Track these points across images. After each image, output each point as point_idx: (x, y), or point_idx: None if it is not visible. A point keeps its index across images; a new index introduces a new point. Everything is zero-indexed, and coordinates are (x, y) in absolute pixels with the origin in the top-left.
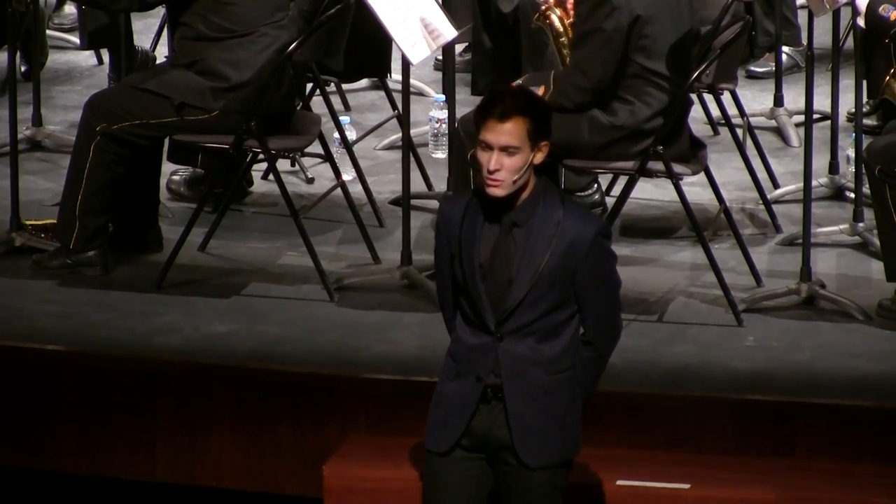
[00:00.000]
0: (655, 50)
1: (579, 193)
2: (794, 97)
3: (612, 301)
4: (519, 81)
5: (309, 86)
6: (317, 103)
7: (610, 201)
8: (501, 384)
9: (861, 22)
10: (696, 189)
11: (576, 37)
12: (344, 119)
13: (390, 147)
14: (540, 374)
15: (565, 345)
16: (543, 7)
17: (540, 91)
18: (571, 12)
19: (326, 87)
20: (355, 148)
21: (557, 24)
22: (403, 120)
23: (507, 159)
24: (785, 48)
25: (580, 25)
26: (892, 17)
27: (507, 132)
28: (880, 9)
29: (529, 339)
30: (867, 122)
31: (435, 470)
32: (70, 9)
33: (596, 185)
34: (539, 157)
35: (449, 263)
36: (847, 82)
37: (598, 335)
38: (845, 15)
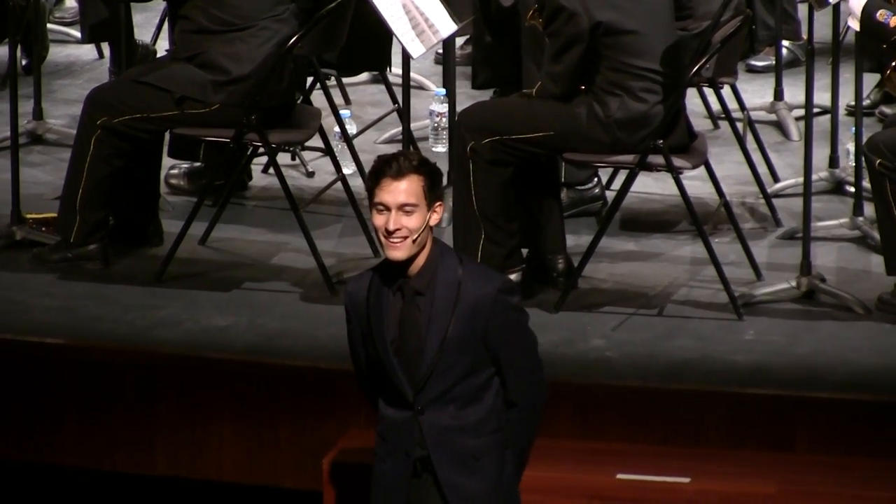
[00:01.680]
0: (635, 47)
1: (579, 187)
2: (794, 91)
3: (529, 358)
4: None
5: (309, 79)
6: (317, 97)
7: (610, 195)
8: (429, 455)
9: (853, 24)
10: (696, 183)
11: (545, 38)
12: (344, 113)
13: (391, 141)
14: (466, 439)
15: (488, 408)
16: (536, 6)
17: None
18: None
19: (327, 81)
20: (355, 142)
21: None
22: (404, 114)
23: (405, 218)
24: (785, 42)
25: (545, 28)
26: (893, 24)
27: (403, 190)
28: (878, 14)
29: (450, 406)
30: (885, 109)
31: None
32: (71, 2)
33: (596, 179)
34: (434, 219)
35: (363, 344)
36: (847, 76)
37: (519, 395)
38: (846, 9)
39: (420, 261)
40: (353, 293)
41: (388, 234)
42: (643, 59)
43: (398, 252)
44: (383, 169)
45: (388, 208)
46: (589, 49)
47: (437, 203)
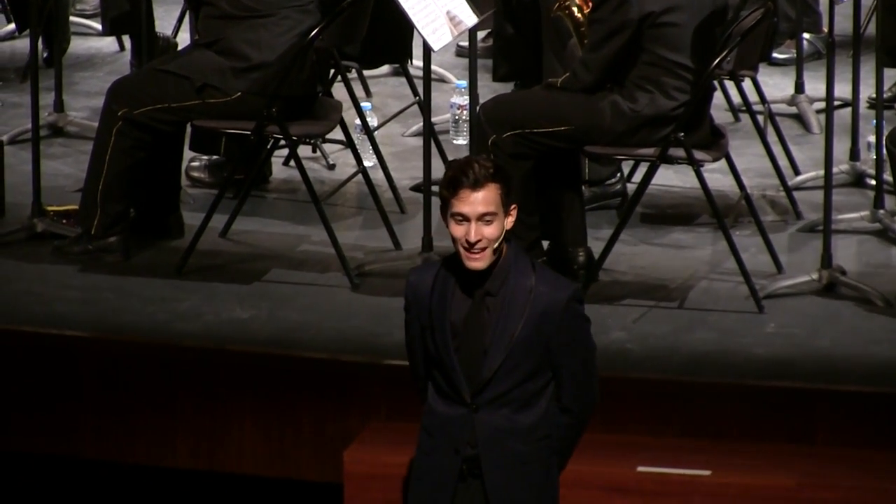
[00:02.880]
0: (677, 42)
1: (606, 182)
2: (814, 84)
3: (589, 367)
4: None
5: (330, 72)
6: (338, 89)
7: (631, 188)
8: (478, 455)
9: None
10: (716, 176)
11: (588, 25)
12: (365, 105)
13: (417, 134)
14: (517, 444)
15: (541, 413)
16: None
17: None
18: (591, 3)
19: (348, 74)
20: (377, 134)
21: (577, 14)
22: (424, 106)
23: (486, 228)
24: (806, 35)
25: (591, 14)
26: None
27: (482, 201)
28: None
29: (505, 409)
30: None
31: None
32: None
33: (618, 175)
34: (510, 222)
35: (420, 336)
36: (868, 69)
37: (575, 402)
38: (866, 1)
39: (496, 262)
40: (415, 284)
41: (470, 245)
42: (681, 55)
43: (479, 263)
44: (460, 179)
45: (466, 219)
46: (630, 41)
47: (512, 207)
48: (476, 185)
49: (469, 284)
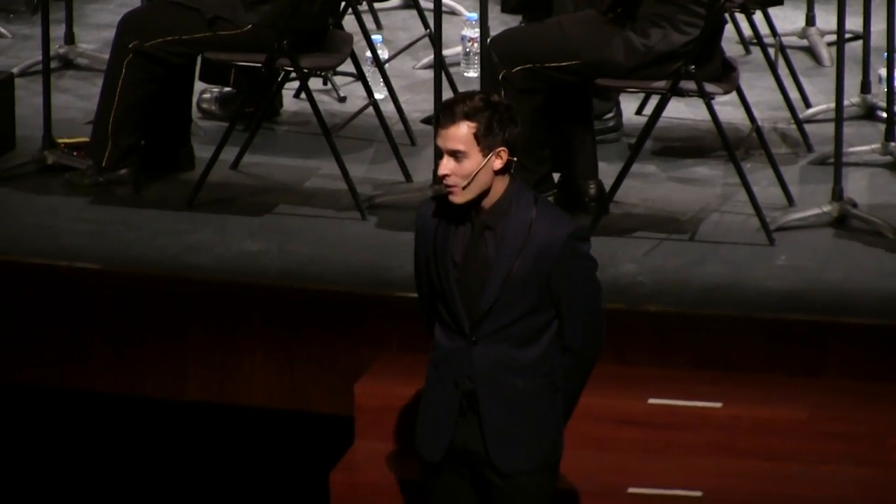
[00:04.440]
0: None
1: (603, 118)
2: (826, 16)
3: (591, 308)
4: None
5: (341, 4)
6: (349, 22)
7: (642, 121)
8: (476, 389)
9: None
10: (728, 108)
11: None
12: (376, 38)
13: (428, 66)
14: (515, 379)
15: (542, 351)
16: None
17: None
18: None
19: (358, 6)
20: (387, 67)
21: None
22: (435, 39)
23: (454, 164)
24: None
25: None
26: None
27: (451, 137)
28: None
29: (504, 344)
30: None
31: (432, 487)
32: None
33: (615, 110)
34: (498, 164)
35: (425, 267)
36: (879, 1)
37: (575, 342)
38: None
39: (493, 198)
40: (423, 216)
41: (440, 177)
42: None
43: (455, 197)
44: (441, 115)
45: (443, 153)
46: None
47: (500, 149)
48: (447, 122)
49: (470, 218)
